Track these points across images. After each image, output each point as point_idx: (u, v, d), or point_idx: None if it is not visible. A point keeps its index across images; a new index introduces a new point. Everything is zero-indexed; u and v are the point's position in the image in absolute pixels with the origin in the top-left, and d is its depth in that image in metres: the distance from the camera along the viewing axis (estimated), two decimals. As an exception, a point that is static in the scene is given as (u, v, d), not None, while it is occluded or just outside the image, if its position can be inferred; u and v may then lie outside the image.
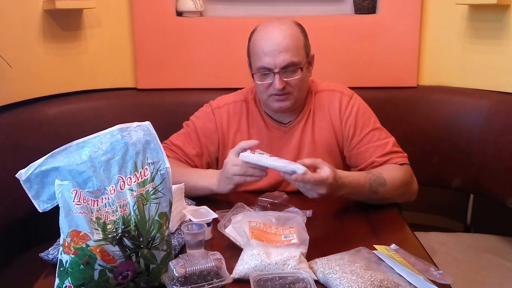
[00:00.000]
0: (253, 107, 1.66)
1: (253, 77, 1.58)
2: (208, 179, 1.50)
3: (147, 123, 1.10)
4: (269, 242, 1.13)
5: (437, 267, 1.11)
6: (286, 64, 1.49)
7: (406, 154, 1.59)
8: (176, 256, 1.08)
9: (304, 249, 1.14)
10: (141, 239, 1.01)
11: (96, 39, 2.11)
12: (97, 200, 1.02)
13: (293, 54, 1.49)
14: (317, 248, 1.17)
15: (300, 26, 1.57)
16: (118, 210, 1.01)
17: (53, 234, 1.13)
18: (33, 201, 1.05)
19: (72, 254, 0.98)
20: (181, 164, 1.62)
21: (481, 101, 1.93)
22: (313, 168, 1.31)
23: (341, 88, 1.65)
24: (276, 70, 1.49)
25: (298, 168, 1.26)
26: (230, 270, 1.07)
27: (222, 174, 1.44)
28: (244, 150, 1.38)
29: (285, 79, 1.50)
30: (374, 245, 1.16)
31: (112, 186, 1.03)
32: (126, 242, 0.99)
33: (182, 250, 1.22)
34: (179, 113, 1.80)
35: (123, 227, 1.00)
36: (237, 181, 1.41)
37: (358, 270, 1.05)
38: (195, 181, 1.51)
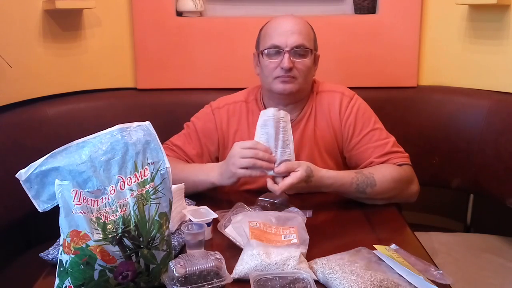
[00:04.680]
0: (253, 106, 1.66)
1: (259, 58, 1.59)
2: (208, 173, 1.50)
3: (147, 123, 1.10)
4: (269, 242, 1.13)
5: (437, 267, 1.11)
6: (298, 45, 1.53)
7: (407, 155, 1.58)
8: (176, 256, 1.08)
9: (304, 249, 1.14)
10: (141, 239, 1.01)
11: (96, 39, 2.11)
12: (97, 200, 1.02)
13: (304, 38, 1.54)
14: (317, 248, 1.17)
15: (311, 25, 1.63)
16: (118, 210, 1.01)
17: (53, 234, 1.13)
18: (33, 201, 1.05)
19: (72, 254, 0.98)
20: (180, 161, 1.62)
21: (481, 101, 1.93)
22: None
23: (342, 89, 1.66)
24: (287, 49, 1.52)
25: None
26: (230, 270, 1.07)
27: (226, 166, 1.43)
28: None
29: (294, 60, 1.53)
30: (374, 245, 1.16)
31: (112, 186, 1.03)
32: (126, 242, 0.99)
33: (182, 250, 1.21)
34: (179, 113, 1.81)
35: (123, 227, 1.00)
36: (242, 174, 1.40)
37: (358, 270, 1.05)
38: (194, 175, 1.51)
